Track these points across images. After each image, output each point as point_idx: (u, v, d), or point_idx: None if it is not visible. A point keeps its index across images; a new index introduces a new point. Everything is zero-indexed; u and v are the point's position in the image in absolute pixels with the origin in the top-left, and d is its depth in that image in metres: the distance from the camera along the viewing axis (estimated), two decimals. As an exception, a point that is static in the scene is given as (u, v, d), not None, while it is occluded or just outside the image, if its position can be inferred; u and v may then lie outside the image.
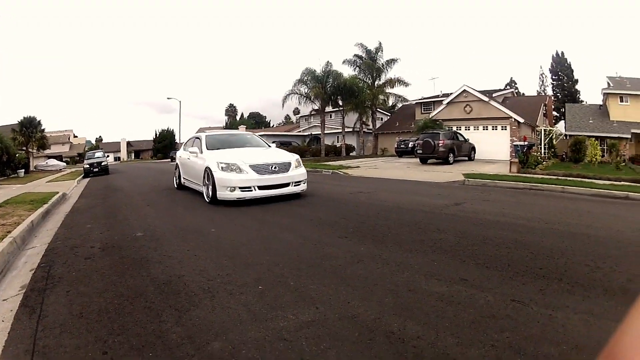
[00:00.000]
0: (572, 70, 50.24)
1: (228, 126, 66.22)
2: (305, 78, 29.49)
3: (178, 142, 50.14)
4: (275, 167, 6.99)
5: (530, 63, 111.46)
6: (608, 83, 26.88)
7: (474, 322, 2.12)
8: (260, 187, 6.76)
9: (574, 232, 4.51)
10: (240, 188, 6.63)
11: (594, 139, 19.00)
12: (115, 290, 2.48)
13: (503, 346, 1.89)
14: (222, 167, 6.78)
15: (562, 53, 51.03)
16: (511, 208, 6.27)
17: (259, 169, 6.83)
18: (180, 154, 9.65)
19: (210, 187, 6.97)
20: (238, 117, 70.06)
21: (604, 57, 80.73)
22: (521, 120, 21.02)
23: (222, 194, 6.69)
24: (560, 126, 26.56)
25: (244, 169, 6.74)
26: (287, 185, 7.08)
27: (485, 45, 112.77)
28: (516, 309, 2.31)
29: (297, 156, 7.71)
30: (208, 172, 7.03)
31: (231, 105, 71.96)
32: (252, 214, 5.81)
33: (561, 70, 50.65)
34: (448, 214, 5.62)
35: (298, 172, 7.32)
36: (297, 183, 7.28)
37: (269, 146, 8.75)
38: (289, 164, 7.23)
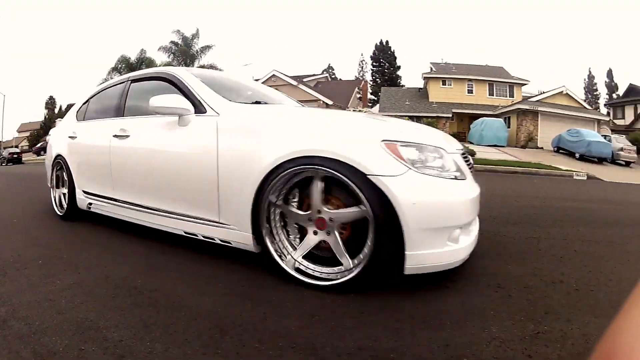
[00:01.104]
0: (395, 58, 58.93)
1: (47, 120, 55.04)
2: (120, 66, 30.90)
3: (1, 140, 44.07)
4: (467, 158, 2.66)
5: (354, 52, 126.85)
6: (431, 68, 32.95)
7: (211, 277, 2.44)
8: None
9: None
10: (460, 227, 2.12)
11: (407, 117, 22.94)
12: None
13: (234, 294, 2.25)
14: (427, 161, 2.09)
15: (387, 42, 59.35)
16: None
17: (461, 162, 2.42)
18: (80, 129, 4.15)
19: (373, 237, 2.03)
20: (57, 110, 62.71)
21: (436, 46, 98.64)
22: (330, 102, 24.05)
23: (432, 253, 1.98)
24: (377, 109, 31.01)
25: (458, 167, 2.26)
26: None
27: (308, 34, 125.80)
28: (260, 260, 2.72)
29: None
30: (362, 179, 1.99)
31: (51, 98, 65.28)
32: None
33: (383, 57, 58.84)
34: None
35: None
36: None
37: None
38: None
